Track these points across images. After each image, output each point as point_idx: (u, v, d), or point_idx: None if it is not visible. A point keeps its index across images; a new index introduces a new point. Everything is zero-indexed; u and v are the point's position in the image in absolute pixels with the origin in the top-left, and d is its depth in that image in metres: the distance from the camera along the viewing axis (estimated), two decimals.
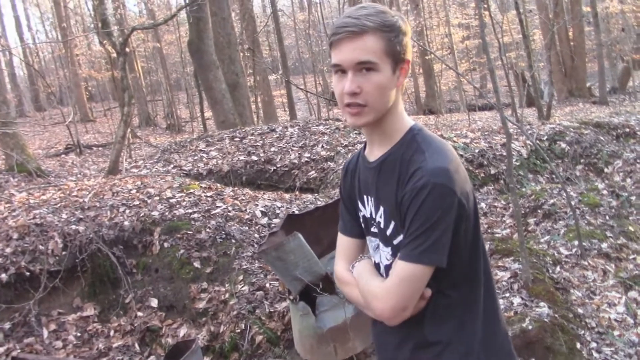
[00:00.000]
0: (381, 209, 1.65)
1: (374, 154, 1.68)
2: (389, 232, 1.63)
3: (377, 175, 1.66)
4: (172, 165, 8.55)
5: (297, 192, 6.89)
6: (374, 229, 1.73)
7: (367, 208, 1.74)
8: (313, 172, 7.52)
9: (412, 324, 1.61)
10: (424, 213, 1.47)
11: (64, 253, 5.02)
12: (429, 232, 1.47)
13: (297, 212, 5.39)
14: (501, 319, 1.74)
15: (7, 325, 4.57)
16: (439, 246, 1.48)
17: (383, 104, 1.57)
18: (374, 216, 1.71)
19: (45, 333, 4.60)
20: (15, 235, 5.10)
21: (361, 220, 1.80)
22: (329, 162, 7.58)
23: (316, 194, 6.72)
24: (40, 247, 5.01)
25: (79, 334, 4.66)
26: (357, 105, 1.55)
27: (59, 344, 4.54)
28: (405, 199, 1.52)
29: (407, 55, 1.59)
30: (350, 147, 7.81)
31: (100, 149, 16.58)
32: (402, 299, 1.53)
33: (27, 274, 4.82)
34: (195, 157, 8.77)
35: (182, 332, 4.57)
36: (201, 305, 4.66)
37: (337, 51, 1.55)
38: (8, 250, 4.95)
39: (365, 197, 1.74)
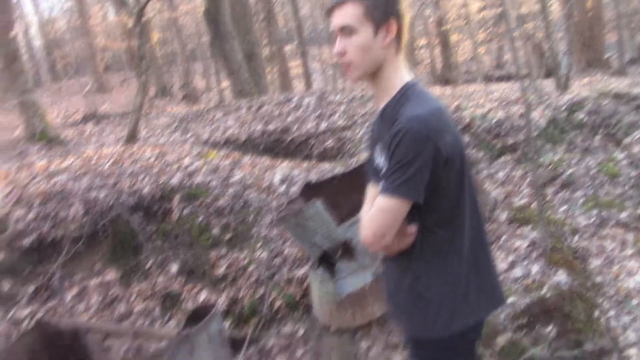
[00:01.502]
0: (384, 153, 1.85)
1: (379, 106, 1.93)
2: None
3: (380, 124, 1.92)
4: (189, 134, 8.58)
5: (314, 161, 6.89)
6: (381, 174, 1.89)
7: (377, 155, 1.96)
8: (330, 141, 7.51)
9: (404, 259, 1.88)
10: (399, 153, 1.70)
11: (84, 219, 5.09)
12: (403, 169, 1.69)
13: (315, 180, 5.40)
14: (494, 271, 2.00)
15: (30, 289, 4.67)
16: (413, 182, 1.70)
17: (368, 61, 1.83)
18: (379, 160, 1.92)
19: (68, 297, 4.69)
20: (36, 202, 5.17)
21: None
22: (346, 132, 7.56)
23: (334, 163, 6.72)
24: (62, 213, 5.08)
25: (100, 299, 4.73)
26: (345, 64, 1.85)
27: (82, 307, 4.63)
28: (388, 141, 1.76)
29: (390, 17, 1.81)
30: (367, 117, 7.77)
31: (117, 118, 16.60)
32: (380, 227, 1.76)
33: (49, 239, 4.90)
34: (213, 127, 8.79)
35: (202, 297, 4.63)
36: (221, 271, 4.72)
37: (331, 20, 1.86)
38: (30, 216, 5.03)
39: (377, 144, 1.96)
